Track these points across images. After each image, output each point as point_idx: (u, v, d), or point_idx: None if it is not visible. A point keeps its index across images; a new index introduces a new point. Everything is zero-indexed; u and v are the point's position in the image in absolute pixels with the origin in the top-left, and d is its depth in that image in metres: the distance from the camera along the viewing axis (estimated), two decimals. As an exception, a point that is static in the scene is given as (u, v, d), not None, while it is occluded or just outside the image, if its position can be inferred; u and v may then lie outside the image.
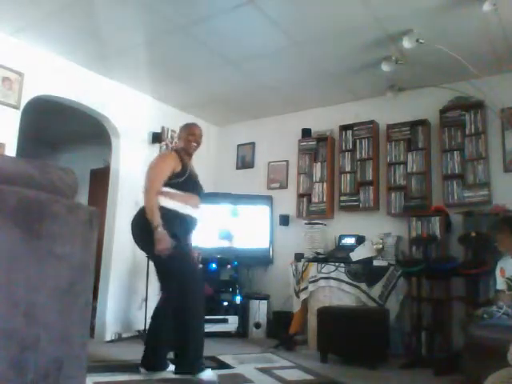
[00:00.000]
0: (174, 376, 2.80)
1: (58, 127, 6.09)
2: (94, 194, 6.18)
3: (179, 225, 2.92)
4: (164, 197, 2.90)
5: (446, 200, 4.10)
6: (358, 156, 4.68)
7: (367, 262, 4.10)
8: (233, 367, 3.01)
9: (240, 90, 4.74)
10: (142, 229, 2.88)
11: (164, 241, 2.73)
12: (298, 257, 4.56)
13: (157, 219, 2.77)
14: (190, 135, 3.14)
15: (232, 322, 4.63)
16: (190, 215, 2.98)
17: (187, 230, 3.04)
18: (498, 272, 2.99)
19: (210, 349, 3.84)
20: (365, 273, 4.01)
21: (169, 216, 2.84)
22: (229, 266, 4.88)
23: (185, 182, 2.99)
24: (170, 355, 2.95)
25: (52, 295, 1.23)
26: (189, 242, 3.13)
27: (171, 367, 2.90)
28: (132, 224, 3.00)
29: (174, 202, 2.92)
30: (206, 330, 4.44)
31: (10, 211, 1.16)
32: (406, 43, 3.47)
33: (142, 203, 2.94)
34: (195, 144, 3.16)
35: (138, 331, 4.40)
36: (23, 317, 1.15)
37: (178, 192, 2.96)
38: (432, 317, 3.76)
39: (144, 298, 4.48)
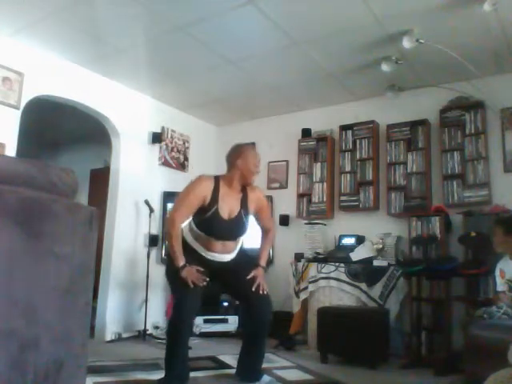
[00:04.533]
0: None
1: (58, 127, 6.09)
2: (94, 193, 6.17)
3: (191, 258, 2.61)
4: (190, 232, 2.65)
5: (445, 200, 4.10)
6: (358, 156, 4.68)
7: (367, 262, 4.09)
8: (233, 367, 3.00)
9: (240, 89, 4.74)
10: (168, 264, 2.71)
11: (191, 275, 2.50)
12: (298, 257, 4.56)
13: (179, 260, 2.50)
14: (256, 163, 2.70)
15: (232, 322, 4.63)
16: (207, 257, 2.67)
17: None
18: (497, 273, 2.98)
19: (210, 349, 3.86)
20: (365, 273, 4.01)
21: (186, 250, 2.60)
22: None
23: (208, 220, 2.57)
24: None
25: (52, 295, 1.23)
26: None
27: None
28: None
29: (197, 243, 2.64)
30: (207, 330, 4.50)
31: (9, 211, 1.16)
32: (406, 43, 3.47)
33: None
34: (257, 173, 2.73)
35: (138, 331, 4.40)
36: (23, 317, 1.15)
37: (202, 234, 2.60)
38: (432, 317, 3.76)
39: (144, 299, 4.49)
